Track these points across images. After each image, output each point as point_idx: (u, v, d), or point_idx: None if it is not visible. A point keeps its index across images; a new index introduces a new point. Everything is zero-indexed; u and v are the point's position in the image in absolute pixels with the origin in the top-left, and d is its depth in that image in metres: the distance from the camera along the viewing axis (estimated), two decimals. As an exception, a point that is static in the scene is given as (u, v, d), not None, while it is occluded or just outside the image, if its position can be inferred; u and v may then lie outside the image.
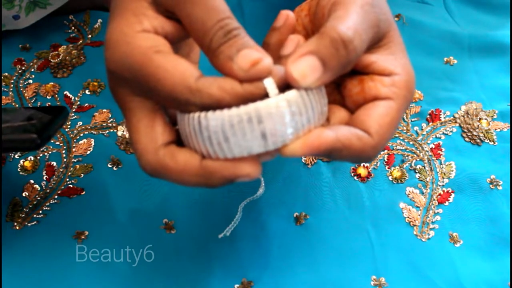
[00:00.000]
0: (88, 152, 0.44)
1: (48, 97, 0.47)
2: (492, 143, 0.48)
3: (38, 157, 0.43)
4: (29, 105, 0.46)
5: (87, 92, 0.48)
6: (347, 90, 0.30)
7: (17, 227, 0.39)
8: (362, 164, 0.45)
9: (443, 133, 0.49)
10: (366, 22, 0.27)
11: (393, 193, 0.44)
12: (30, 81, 0.48)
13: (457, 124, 0.49)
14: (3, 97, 0.46)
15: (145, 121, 0.27)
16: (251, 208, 0.41)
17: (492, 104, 0.51)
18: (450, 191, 0.44)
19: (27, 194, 0.41)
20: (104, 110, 0.47)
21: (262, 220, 0.41)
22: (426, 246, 0.41)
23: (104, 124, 0.46)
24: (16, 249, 0.38)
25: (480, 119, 0.50)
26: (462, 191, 0.45)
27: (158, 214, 0.41)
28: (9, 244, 0.38)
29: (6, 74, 0.48)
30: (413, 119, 0.50)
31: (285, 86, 0.26)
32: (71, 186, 0.41)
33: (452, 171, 0.46)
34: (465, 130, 0.49)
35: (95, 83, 0.48)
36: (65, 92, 0.47)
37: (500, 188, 0.45)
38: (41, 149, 0.43)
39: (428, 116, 0.50)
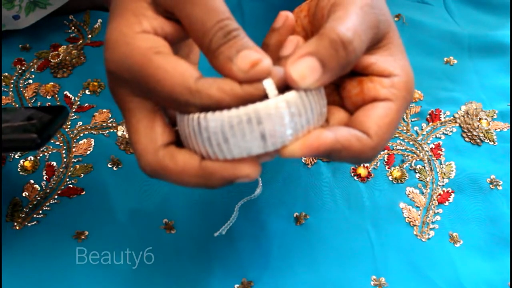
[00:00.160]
0: (88, 152, 0.44)
1: (48, 97, 0.47)
2: (492, 143, 0.48)
3: (38, 157, 0.43)
4: (29, 105, 0.46)
5: (87, 92, 0.48)
6: (346, 91, 0.30)
7: (17, 227, 0.39)
8: (362, 164, 0.45)
9: (443, 133, 0.49)
10: (366, 23, 0.27)
11: (393, 193, 0.44)
12: (30, 81, 0.48)
13: (457, 124, 0.49)
14: (3, 97, 0.46)
15: (145, 121, 0.27)
16: (251, 208, 0.41)
17: (492, 104, 0.51)
18: (450, 191, 0.44)
19: (27, 194, 0.41)
20: (104, 110, 0.47)
21: (262, 220, 0.41)
22: (426, 246, 0.41)
23: (104, 124, 0.46)
24: (16, 249, 0.38)
25: (480, 119, 0.50)
26: (462, 191, 0.45)
27: (158, 214, 0.41)
28: (9, 244, 0.38)
29: (6, 74, 0.48)
30: (413, 119, 0.50)
31: (284, 87, 0.26)
32: (71, 186, 0.42)
33: (452, 171, 0.46)
34: (465, 130, 0.49)
35: (95, 83, 0.48)
36: (65, 92, 0.47)
37: (500, 188, 0.45)
38: (41, 149, 0.43)
39: (428, 116, 0.50)
